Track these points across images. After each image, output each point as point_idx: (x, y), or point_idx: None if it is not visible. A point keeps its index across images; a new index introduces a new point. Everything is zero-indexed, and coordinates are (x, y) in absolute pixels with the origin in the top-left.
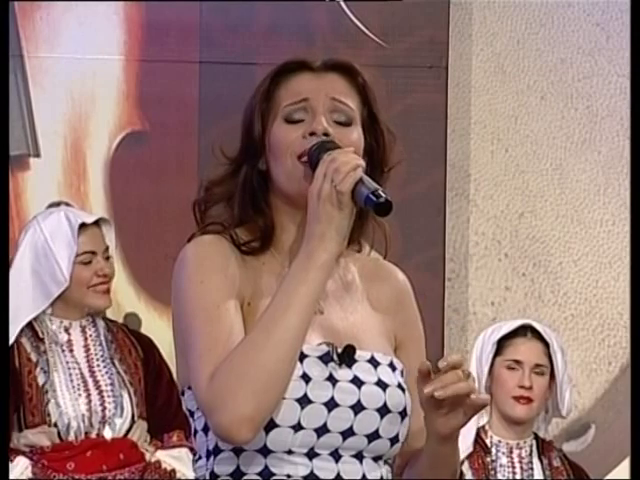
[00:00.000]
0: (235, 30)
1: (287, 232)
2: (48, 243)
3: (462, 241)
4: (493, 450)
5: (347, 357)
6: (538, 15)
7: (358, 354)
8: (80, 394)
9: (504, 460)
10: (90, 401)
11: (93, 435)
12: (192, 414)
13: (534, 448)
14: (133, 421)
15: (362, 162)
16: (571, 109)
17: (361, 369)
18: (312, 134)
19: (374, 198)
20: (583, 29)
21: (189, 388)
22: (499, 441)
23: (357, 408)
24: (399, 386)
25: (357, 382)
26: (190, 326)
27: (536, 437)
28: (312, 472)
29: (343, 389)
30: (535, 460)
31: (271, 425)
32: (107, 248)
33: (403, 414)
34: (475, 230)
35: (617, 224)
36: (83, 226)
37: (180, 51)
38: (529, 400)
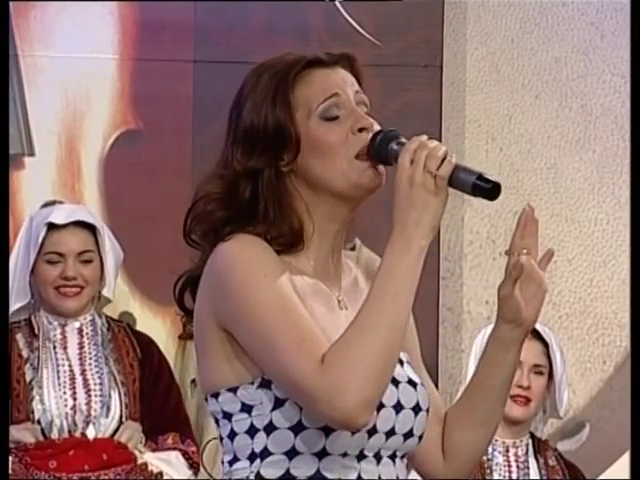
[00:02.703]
0: (230, 29)
1: (316, 227)
2: (16, 245)
3: (456, 240)
4: (489, 449)
5: None
6: (532, 14)
7: None
8: (66, 392)
9: (500, 459)
10: (75, 399)
11: (77, 434)
12: (229, 416)
13: (530, 447)
14: (121, 422)
15: (447, 149)
16: (565, 108)
17: None
18: (361, 130)
19: (483, 184)
20: (577, 28)
21: (229, 390)
22: (495, 440)
23: (398, 408)
24: (422, 383)
25: (394, 381)
26: (267, 324)
27: (532, 436)
28: (360, 476)
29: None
30: (531, 459)
31: (331, 428)
32: (86, 252)
33: (428, 411)
34: (470, 229)
35: (611, 223)
36: (58, 225)
37: (175, 50)
38: (527, 400)
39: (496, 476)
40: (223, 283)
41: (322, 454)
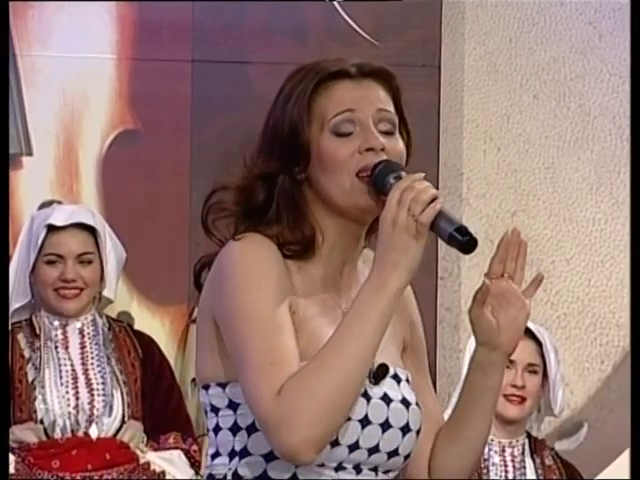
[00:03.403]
0: (228, 29)
1: (325, 239)
2: (17, 245)
3: None
4: (485, 449)
5: (381, 376)
6: (530, 14)
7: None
8: (68, 391)
9: (496, 459)
10: (78, 399)
11: (80, 433)
12: (217, 410)
13: (526, 447)
14: (123, 421)
15: (437, 192)
16: (563, 108)
17: (388, 385)
18: (368, 150)
19: (459, 236)
20: (575, 28)
21: (219, 385)
22: (491, 440)
23: (385, 426)
24: (417, 404)
25: (386, 399)
26: (246, 334)
27: (529, 436)
28: None
29: (375, 406)
30: (527, 459)
31: None
32: (86, 253)
33: (418, 432)
34: None
35: (609, 223)
36: (57, 227)
37: (173, 50)
38: (521, 399)
39: (492, 476)
40: (222, 282)
41: None
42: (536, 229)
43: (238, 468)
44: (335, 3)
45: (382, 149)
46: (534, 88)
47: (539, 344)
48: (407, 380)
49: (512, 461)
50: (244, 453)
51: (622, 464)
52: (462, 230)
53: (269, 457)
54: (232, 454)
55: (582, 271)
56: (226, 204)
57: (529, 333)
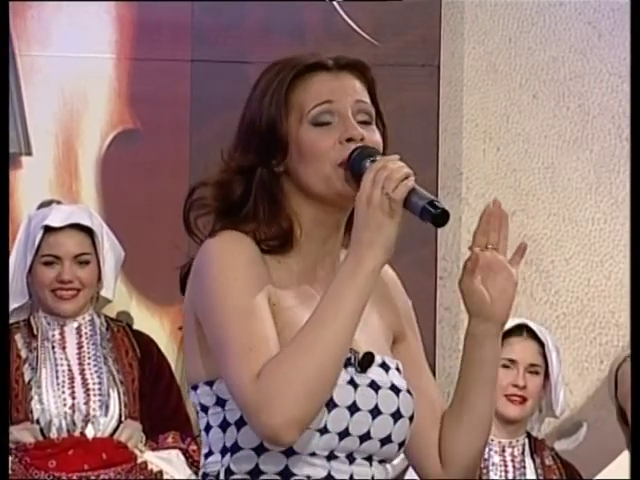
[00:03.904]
0: (227, 29)
1: (304, 231)
2: (15, 245)
3: (454, 240)
4: (485, 449)
5: (367, 364)
6: (530, 14)
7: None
8: (65, 391)
9: (496, 459)
10: (74, 399)
11: (76, 433)
12: (206, 409)
13: (526, 447)
14: (120, 421)
15: (411, 171)
16: (563, 108)
17: (376, 373)
18: (349, 140)
19: (431, 209)
20: (575, 28)
21: (206, 383)
22: (491, 440)
23: (375, 412)
24: (408, 390)
25: (374, 386)
26: (225, 324)
27: (529, 436)
28: (329, 474)
29: (363, 393)
30: (527, 459)
31: None
32: (83, 254)
33: (411, 419)
34: (467, 228)
35: (609, 222)
36: (54, 228)
37: (172, 49)
38: (522, 399)
39: (492, 476)
40: (200, 278)
41: (289, 452)
42: (535, 229)
43: (230, 464)
44: (335, 3)
45: (362, 139)
46: (533, 88)
47: (541, 344)
48: (397, 369)
49: (512, 461)
50: (235, 448)
51: (622, 464)
52: (434, 204)
53: (260, 450)
54: (224, 451)
55: (581, 271)
56: (206, 200)
57: (531, 333)
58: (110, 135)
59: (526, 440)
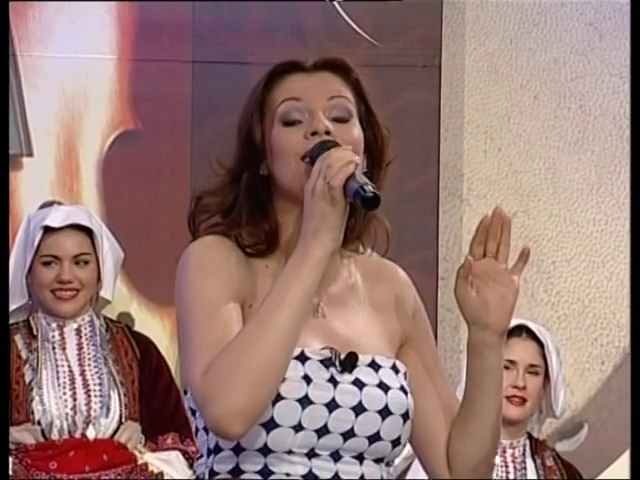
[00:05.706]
0: (228, 29)
1: (291, 234)
2: (14, 245)
3: (455, 240)
4: (495, 455)
5: (349, 364)
6: (531, 15)
7: (359, 360)
8: (65, 393)
9: (497, 460)
10: (75, 400)
11: (77, 435)
12: (194, 413)
13: (527, 448)
14: (121, 422)
15: (356, 158)
16: (564, 108)
17: (363, 372)
18: (314, 134)
19: (362, 192)
20: (576, 28)
21: None
22: None
23: (358, 409)
24: (401, 388)
25: (358, 384)
26: (188, 322)
27: (529, 437)
28: (311, 471)
29: (344, 390)
30: (528, 460)
31: (272, 425)
32: (82, 254)
33: (405, 417)
34: (468, 229)
35: (610, 223)
36: (53, 228)
37: (173, 50)
38: (522, 400)
39: (493, 477)
40: (176, 282)
41: (265, 451)
42: (537, 230)
43: (214, 465)
44: (335, 3)
45: (327, 132)
46: (535, 89)
47: (541, 345)
48: (395, 369)
49: (513, 462)
50: (217, 449)
51: (623, 465)
52: (367, 187)
53: (238, 450)
54: (209, 452)
55: (583, 272)
56: (206, 207)
57: (531, 334)
58: (111, 136)
59: (527, 441)
